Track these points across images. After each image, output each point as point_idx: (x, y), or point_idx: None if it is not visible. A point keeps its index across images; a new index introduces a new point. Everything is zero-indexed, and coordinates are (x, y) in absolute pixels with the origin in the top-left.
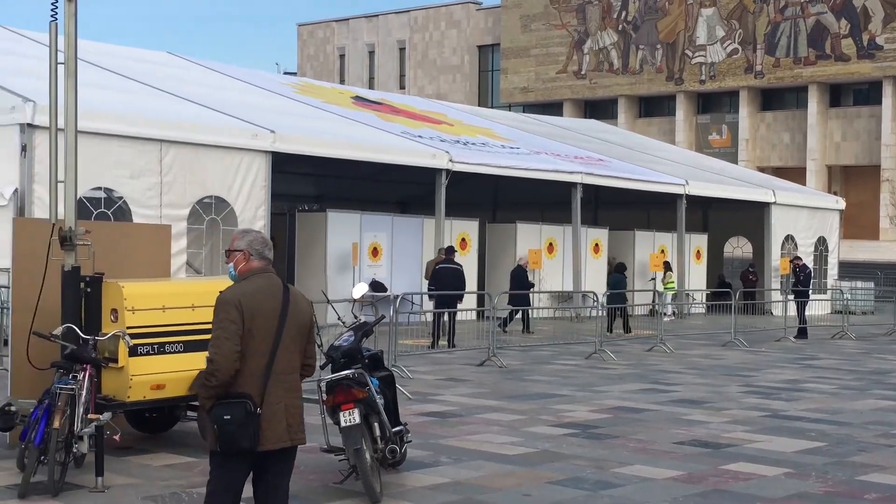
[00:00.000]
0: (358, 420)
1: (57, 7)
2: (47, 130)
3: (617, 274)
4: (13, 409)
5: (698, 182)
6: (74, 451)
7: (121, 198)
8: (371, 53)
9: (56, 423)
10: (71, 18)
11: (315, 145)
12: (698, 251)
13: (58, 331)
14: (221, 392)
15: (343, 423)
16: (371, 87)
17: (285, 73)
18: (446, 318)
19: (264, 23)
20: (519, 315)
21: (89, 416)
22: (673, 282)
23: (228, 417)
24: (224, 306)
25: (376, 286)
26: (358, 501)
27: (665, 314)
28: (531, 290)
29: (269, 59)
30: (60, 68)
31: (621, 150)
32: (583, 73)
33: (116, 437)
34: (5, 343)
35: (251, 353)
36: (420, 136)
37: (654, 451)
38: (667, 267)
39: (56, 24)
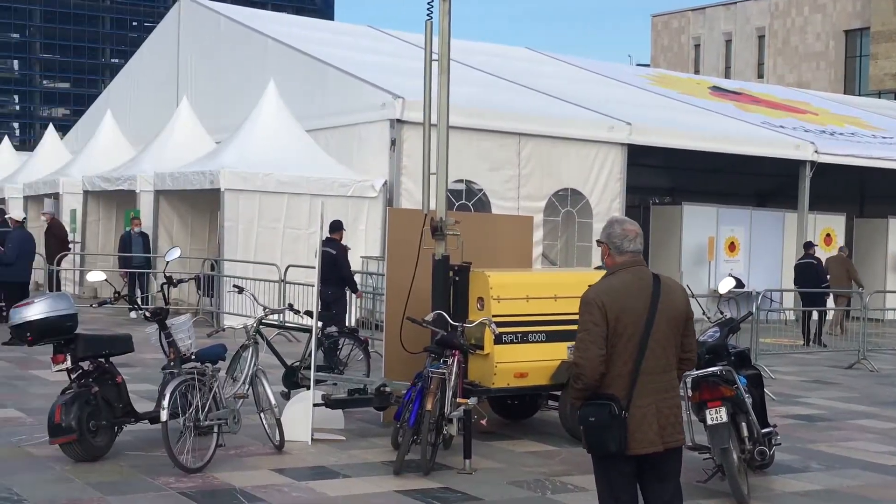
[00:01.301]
0: (725, 418)
1: (432, 6)
2: (415, 125)
3: None
4: (388, 389)
5: None
6: (444, 432)
7: (481, 190)
8: (728, 42)
9: (428, 406)
10: (445, 16)
11: (671, 137)
12: None
13: (429, 317)
14: (589, 394)
15: (709, 421)
16: (727, 76)
17: (638, 65)
18: (815, 316)
19: (616, 16)
20: None
21: (458, 400)
22: None
23: (593, 420)
24: (587, 307)
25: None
26: (723, 502)
27: None
28: None
29: (621, 51)
30: (433, 65)
31: None
32: None
33: (483, 422)
34: (376, 327)
35: (618, 354)
36: (782, 127)
37: None
38: None
39: (431, 22)
